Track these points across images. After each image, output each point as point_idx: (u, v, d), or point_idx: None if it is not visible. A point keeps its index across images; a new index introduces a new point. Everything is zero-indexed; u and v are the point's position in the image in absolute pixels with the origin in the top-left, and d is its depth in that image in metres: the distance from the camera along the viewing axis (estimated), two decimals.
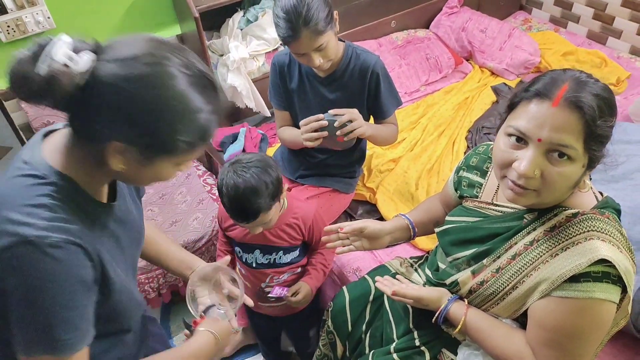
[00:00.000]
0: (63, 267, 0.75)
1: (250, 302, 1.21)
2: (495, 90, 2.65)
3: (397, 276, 1.35)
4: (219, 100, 0.82)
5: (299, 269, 1.59)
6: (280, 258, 1.53)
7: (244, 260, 1.53)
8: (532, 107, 0.91)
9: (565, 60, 2.78)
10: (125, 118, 0.73)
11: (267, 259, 1.52)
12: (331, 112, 1.56)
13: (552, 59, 2.77)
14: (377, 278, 1.33)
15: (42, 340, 0.77)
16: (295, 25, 1.43)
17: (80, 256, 0.78)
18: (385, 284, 1.28)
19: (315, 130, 1.57)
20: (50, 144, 0.83)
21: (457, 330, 1.12)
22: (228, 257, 1.22)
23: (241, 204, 1.30)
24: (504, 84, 2.69)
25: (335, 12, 1.53)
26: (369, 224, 1.33)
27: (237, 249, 1.53)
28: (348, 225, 1.32)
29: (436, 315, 1.15)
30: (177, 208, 2.17)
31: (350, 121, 1.56)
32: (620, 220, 1.01)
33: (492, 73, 2.82)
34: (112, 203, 0.92)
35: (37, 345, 0.77)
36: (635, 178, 1.72)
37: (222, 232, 1.60)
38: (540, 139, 0.90)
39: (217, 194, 2.21)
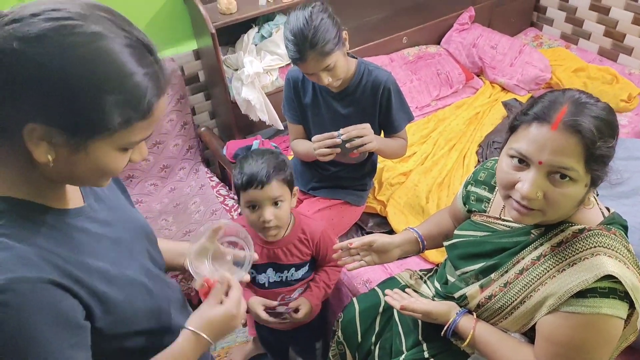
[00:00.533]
0: (14, 313, 0.62)
1: (256, 256, 1.08)
2: (506, 105, 2.67)
3: (407, 290, 1.36)
4: (156, 63, 0.69)
5: (307, 285, 1.59)
6: (292, 275, 1.53)
7: (256, 281, 1.53)
8: (532, 130, 0.93)
9: (576, 76, 2.79)
10: (30, 90, 0.60)
11: (279, 277, 1.53)
12: (342, 130, 1.59)
13: (563, 75, 2.78)
14: (387, 291, 1.35)
15: None
16: (302, 48, 1.48)
17: (39, 294, 0.65)
18: (395, 298, 1.30)
19: (329, 146, 1.61)
20: None
21: (465, 343, 1.13)
22: (221, 221, 1.07)
23: (257, 166, 1.35)
24: (515, 99, 2.71)
25: (344, 32, 1.57)
26: (378, 238, 1.35)
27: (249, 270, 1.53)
28: (357, 240, 1.34)
29: (445, 328, 1.16)
30: (190, 218, 2.21)
31: (361, 136, 1.59)
32: (627, 236, 1.02)
33: (503, 89, 2.84)
34: (81, 206, 0.79)
35: None
36: None
37: None
38: (541, 161, 0.91)
39: (229, 204, 2.25)
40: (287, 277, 1.53)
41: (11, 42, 0.59)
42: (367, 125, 1.62)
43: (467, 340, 1.12)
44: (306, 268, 1.55)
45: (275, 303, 1.52)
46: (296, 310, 1.52)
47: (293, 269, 1.53)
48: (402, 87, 2.64)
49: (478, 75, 2.96)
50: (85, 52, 0.61)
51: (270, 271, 1.52)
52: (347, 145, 1.59)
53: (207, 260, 1.02)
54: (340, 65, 1.57)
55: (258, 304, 1.49)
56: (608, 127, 0.90)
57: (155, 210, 2.27)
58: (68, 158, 0.66)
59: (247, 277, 1.04)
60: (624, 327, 0.96)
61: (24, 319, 0.63)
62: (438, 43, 3.04)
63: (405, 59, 2.83)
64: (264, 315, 1.47)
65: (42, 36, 0.60)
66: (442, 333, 1.17)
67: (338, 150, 1.60)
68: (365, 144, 1.59)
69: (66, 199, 0.77)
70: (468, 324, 1.13)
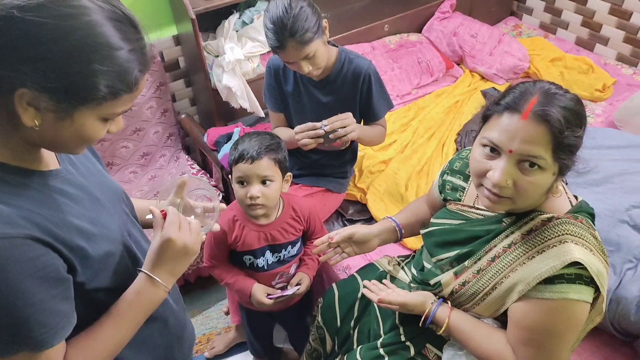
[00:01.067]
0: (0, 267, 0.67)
1: (224, 206, 1.06)
2: (485, 94, 2.70)
3: (384, 280, 1.39)
4: (142, 40, 0.73)
5: (300, 260, 1.65)
6: (288, 252, 1.58)
7: (255, 266, 1.55)
8: (503, 120, 0.96)
9: (553, 66, 2.84)
10: (26, 55, 0.64)
11: (276, 257, 1.56)
12: (325, 122, 1.61)
13: (540, 65, 2.83)
14: (365, 283, 1.38)
15: (10, 341, 0.71)
16: (281, 37, 1.48)
17: (20, 249, 0.69)
18: (372, 290, 1.33)
19: (312, 137, 1.62)
20: None
21: (441, 331, 1.17)
22: (184, 176, 1.06)
23: (251, 143, 1.40)
24: (494, 88, 2.74)
25: (324, 21, 1.57)
26: (358, 229, 1.38)
27: (247, 257, 1.54)
28: (337, 235, 1.38)
29: (422, 319, 1.20)
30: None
31: (344, 126, 1.61)
32: (594, 224, 1.06)
33: (482, 77, 2.87)
34: (57, 168, 0.82)
35: (5, 346, 0.72)
36: (616, 182, 1.78)
37: (219, 252, 1.56)
38: (512, 150, 0.95)
39: None
40: (284, 255, 1.57)
41: (12, 9, 0.63)
42: (349, 115, 1.64)
43: (443, 328, 1.16)
44: (299, 244, 1.61)
45: (277, 291, 1.55)
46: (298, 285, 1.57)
47: (289, 246, 1.57)
48: (383, 76, 2.65)
49: (458, 64, 2.98)
50: (77, 24, 0.66)
51: (268, 253, 1.55)
52: (331, 135, 1.61)
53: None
54: (321, 54, 1.58)
55: (261, 292, 1.52)
56: (576, 117, 0.93)
57: (136, 197, 2.25)
58: (53, 124, 0.70)
59: (217, 227, 1.03)
60: (590, 310, 1.01)
61: (5, 273, 0.67)
62: (419, 31, 3.05)
63: (386, 47, 2.84)
64: (268, 302, 1.51)
65: (40, 5, 0.64)
66: (420, 324, 1.21)
67: (321, 140, 1.62)
68: (348, 134, 1.61)
69: (43, 162, 0.80)
70: (443, 312, 1.17)
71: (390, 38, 2.91)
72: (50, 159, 0.82)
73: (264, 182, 1.41)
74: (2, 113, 0.69)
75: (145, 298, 0.88)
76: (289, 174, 1.51)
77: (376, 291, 1.32)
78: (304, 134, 1.62)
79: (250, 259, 1.55)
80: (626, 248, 1.55)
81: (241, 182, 1.42)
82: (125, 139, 2.30)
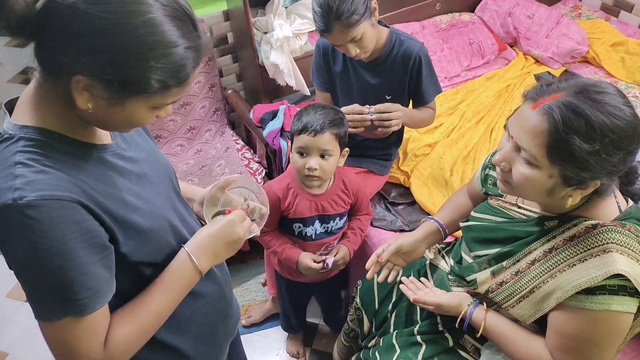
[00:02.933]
0: (46, 227, 0.69)
1: (267, 210, 1.09)
2: (538, 78, 2.60)
3: (422, 279, 1.39)
4: (199, 38, 0.75)
5: (344, 233, 1.68)
6: (336, 224, 1.61)
7: (303, 234, 1.59)
8: (522, 106, 0.95)
9: (614, 51, 2.69)
10: (86, 46, 0.67)
11: (324, 228, 1.60)
12: (373, 109, 1.60)
13: (600, 49, 2.69)
14: (403, 279, 1.38)
15: (56, 304, 0.74)
16: (327, 19, 1.46)
17: (67, 211, 0.71)
18: (410, 288, 1.33)
19: (358, 121, 1.61)
20: (16, 107, 0.78)
21: (478, 334, 1.16)
22: (233, 176, 1.08)
23: (315, 116, 1.43)
24: (548, 72, 2.63)
25: (374, 2, 1.53)
26: (403, 242, 1.35)
27: (297, 225, 1.58)
28: (385, 252, 1.34)
29: (458, 320, 1.18)
30: (215, 180, 2.23)
31: (390, 118, 1.60)
32: None
33: (537, 61, 2.76)
34: (109, 143, 0.85)
35: (51, 311, 0.74)
36: None
37: (271, 218, 1.52)
38: (513, 136, 0.94)
39: (254, 167, 2.28)
40: (331, 227, 1.60)
41: (77, 1, 0.66)
42: (398, 107, 1.62)
43: (480, 331, 1.14)
44: (345, 217, 1.64)
45: (321, 258, 1.58)
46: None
47: (337, 218, 1.60)
48: (432, 56, 2.58)
49: (511, 46, 2.87)
50: (139, 21, 0.68)
51: (317, 223, 1.58)
52: (375, 123, 1.60)
53: (217, 207, 1.04)
54: (368, 37, 1.54)
55: (309, 258, 1.56)
56: (589, 129, 0.85)
57: (182, 170, 2.31)
58: (105, 109, 0.74)
59: (257, 232, 1.04)
60: (635, 318, 0.97)
61: (52, 232, 0.70)
62: (472, 10, 2.95)
63: (437, 26, 2.76)
64: (316, 266, 1.55)
65: (104, 1, 0.66)
66: (457, 325, 1.19)
67: (368, 123, 1.61)
68: (392, 127, 1.61)
69: (96, 136, 0.83)
70: (479, 315, 1.15)
71: (441, 17, 2.82)
72: (103, 134, 0.85)
73: (322, 156, 1.44)
74: (59, 91, 0.73)
75: (182, 275, 0.91)
76: (346, 149, 1.53)
77: (413, 289, 1.32)
78: (350, 117, 1.61)
79: (299, 227, 1.58)
80: None
81: (301, 152, 1.45)
82: (173, 112, 2.34)
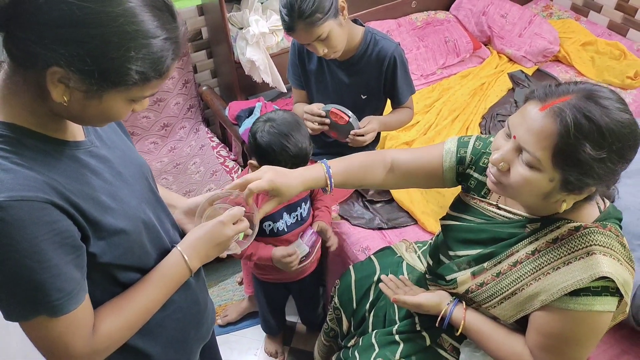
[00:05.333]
0: (15, 229, 0.67)
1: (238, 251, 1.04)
2: (512, 77, 2.64)
3: (401, 277, 1.38)
4: (177, 29, 0.73)
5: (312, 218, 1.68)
6: (303, 210, 1.59)
7: (275, 231, 1.56)
8: (528, 106, 0.92)
9: (584, 50, 2.76)
10: (65, 37, 0.64)
11: (294, 217, 1.58)
12: (352, 120, 1.64)
13: (571, 49, 2.74)
14: (383, 277, 1.37)
15: (27, 304, 0.72)
16: (290, 18, 1.45)
17: (37, 212, 0.69)
18: (389, 287, 1.32)
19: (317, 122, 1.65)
20: None
21: (458, 333, 1.15)
22: (226, 191, 1.02)
23: (300, 140, 1.40)
24: (521, 71, 2.67)
25: (341, 0, 1.52)
26: (278, 182, 1.03)
27: (267, 223, 1.55)
28: (255, 186, 1.00)
29: (438, 320, 1.18)
30: (190, 178, 2.21)
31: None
32: (621, 227, 1.02)
33: (510, 60, 2.80)
34: (82, 140, 0.82)
35: (21, 311, 0.73)
36: None
37: None
38: (515, 136, 0.92)
39: (230, 165, 2.24)
40: (300, 214, 1.59)
41: None
42: (374, 125, 1.67)
43: (459, 330, 1.14)
44: (309, 201, 1.64)
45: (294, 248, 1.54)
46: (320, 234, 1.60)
47: (303, 203, 1.59)
48: (408, 55, 2.60)
49: (486, 45, 2.91)
50: (118, 11, 0.66)
51: (285, 215, 1.56)
52: (349, 142, 1.67)
53: (202, 220, 1.03)
54: (335, 36, 1.52)
55: (283, 249, 1.52)
56: (599, 135, 0.83)
57: (156, 168, 2.26)
58: (81, 101, 0.71)
59: (238, 251, 1.04)
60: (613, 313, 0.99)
61: (23, 235, 0.68)
62: (447, 9, 2.97)
63: (413, 24, 2.77)
64: (291, 250, 1.50)
65: None
66: (437, 324, 1.19)
67: (327, 121, 1.65)
68: (363, 141, 1.67)
69: (68, 132, 0.80)
70: (459, 314, 1.15)
71: (417, 15, 2.83)
72: (76, 130, 0.82)
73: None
74: (30, 84, 0.70)
75: (172, 273, 0.92)
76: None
77: (393, 288, 1.31)
78: (308, 117, 1.65)
79: (270, 225, 1.56)
80: None
81: None
82: (146, 109, 2.28)
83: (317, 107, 1.65)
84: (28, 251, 0.68)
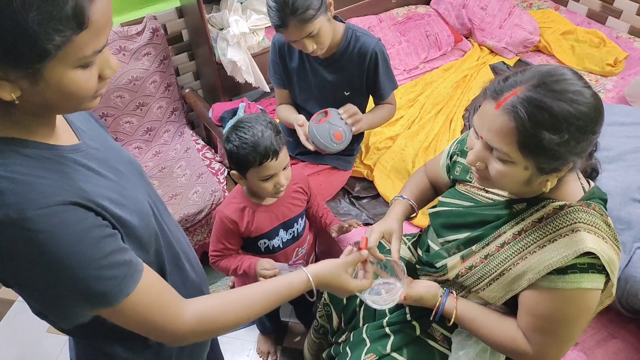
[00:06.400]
0: (50, 235, 0.67)
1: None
2: (494, 69, 2.65)
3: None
4: None
5: (308, 237, 1.65)
6: (299, 225, 1.57)
7: (270, 248, 1.54)
8: (484, 106, 0.94)
9: (564, 39, 2.78)
10: None
11: (290, 234, 1.56)
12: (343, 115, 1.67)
13: (551, 38, 2.77)
14: None
15: (83, 302, 0.74)
16: (282, 15, 1.44)
17: (64, 215, 0.69)
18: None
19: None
20: None
21: (450, 323, 1.16)
22: (363, 252, 1.12)
23: (265, 138, 1.29)
24: (503, 62, 2.69)
25: None
26: (382, 229, 1.25)
27: (262, 241, 1.52)
28: (370, 248, 1.18)
29: (433, 313, 1.18)
30: (176, 182, 2.20)
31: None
32: (606, 208, 1.04)
33: (491, 51, 2.81)
34: (77, 143, 0.81)
35: (82, 307, 0.75)
36: (629, 159, 1.75)
37: (232, 245, 1.52)
38: (482, 136, 0.94)
39: (216, 167, 2.23)
40: (296, 230, 1.57)
41: None
42: (362, 127, 1.74)
43: (452, 319, 1.15)
44: (304, 216, 1.61)
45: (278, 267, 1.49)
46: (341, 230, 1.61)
47: (299, 219, 1.57)
48: (391, 49, 2.61)
49: (467, 38, 2.92)
50: None
51: (282, 232, 1.54)
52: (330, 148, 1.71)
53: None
54: (325, 32, 1.53)
55: (266, 261, 1.47)
56: (554, 120, 0.86)
57: None
58: (32, 90, 0.65)
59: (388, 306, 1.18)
60: (601, 294, 1.00)
61: (56, 240, 0.67)
62: (428, 3, 2.98)
63: (394, 19, 2.78)
64: (276, 269, 1.45)
65: None
66: (432, 317, 1.19)
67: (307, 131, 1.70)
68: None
69: (60, 137, 0.78)
70: (451, 304, 1.16)
71: (397, 10, 2.84)
72: (67, 135, 0.81)
73: (285, 167, 1.39)
74: None
75: (294, 292, 0.99)
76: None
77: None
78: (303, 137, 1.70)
79: (265, 243, 1.53)
80: (637, 226, 1.54)
81: (267, 178, 1.36)
82: (128, 114, 2.27)
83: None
84: (65, 252, 0.68)
